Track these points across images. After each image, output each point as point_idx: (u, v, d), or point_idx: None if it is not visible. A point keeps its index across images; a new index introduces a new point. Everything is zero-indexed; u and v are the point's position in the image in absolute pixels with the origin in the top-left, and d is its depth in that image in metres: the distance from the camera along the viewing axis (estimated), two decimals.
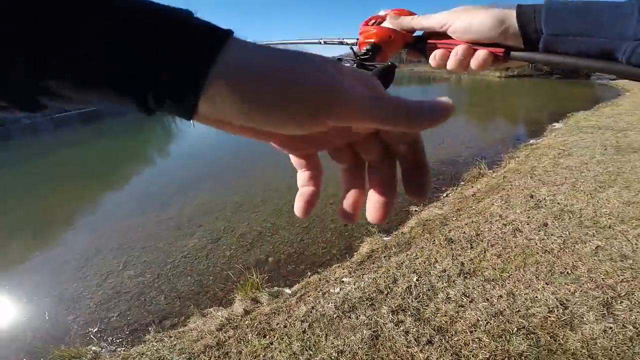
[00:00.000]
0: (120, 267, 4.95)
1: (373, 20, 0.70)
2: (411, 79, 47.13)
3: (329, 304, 3.17)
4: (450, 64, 0.61)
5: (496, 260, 3.53)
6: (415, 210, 5.42)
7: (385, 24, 0.68)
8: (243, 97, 0.23)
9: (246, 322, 3.04)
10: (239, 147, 12.03)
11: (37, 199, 8.64)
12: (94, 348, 3.20)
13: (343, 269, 3.91)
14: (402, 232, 4.73)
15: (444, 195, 6.00)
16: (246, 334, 2.85)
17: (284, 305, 3.28)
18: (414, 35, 0.68)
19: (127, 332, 3.61)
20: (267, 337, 2.78)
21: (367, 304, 3.10)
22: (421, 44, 0.66)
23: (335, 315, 2.98)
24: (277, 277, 4.21)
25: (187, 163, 11.47)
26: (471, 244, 3.91)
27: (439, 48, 0.63)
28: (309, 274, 4.14)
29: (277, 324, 2.93)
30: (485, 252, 3.71)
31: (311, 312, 3.07)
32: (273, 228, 5.50)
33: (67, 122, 27.10)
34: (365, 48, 0.64)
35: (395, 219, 5.28)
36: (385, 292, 3.25)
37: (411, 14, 0.66)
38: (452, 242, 4.02)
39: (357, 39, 0.70)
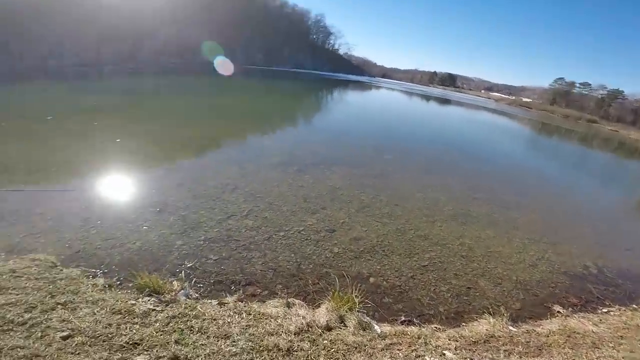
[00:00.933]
0: (244, 214, 5.28)
1: None
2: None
3: None
4: None
5: None
6: (560, 313, 4.17)
7: None
8: None
9: (324, 342, 2.73)
10: (393, 140, 11.80)
11: (219, 121, 10.22)
12: (176, 284, 3.29)
13: (449, 340, 3.23)
14: (536, 332, 3.69)
15: (604, 310, 4.47)
16: (318, 356, 2.55)
17: (368, 344, 2.86)
18: None
19: (212, 281, 3.69)
20: None
21: None
22: None
23: None
24: (369, 303, 3.76)
25: (341, 138, 11.81)
26: None
27: None
28: (403, 318, 3.58)
29: None
30: None
31: None
32: (389, 248, 5.01)
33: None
34: None
35: (530, 310, 4.17)
36: None
37: None
38: None
39: None
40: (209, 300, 3.21)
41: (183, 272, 3.73)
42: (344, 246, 4.84)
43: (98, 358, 2.12)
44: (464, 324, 3.69)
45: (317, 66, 78.86)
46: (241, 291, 3.54)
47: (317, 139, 11.41)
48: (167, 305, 2.85)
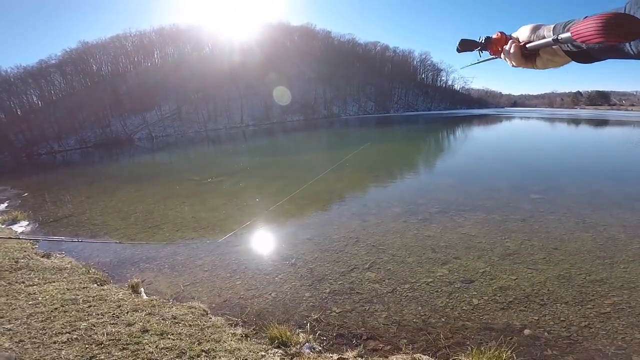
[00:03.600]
0: (366, 266, 5.08)
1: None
2: None
3: None
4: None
5: None
6: None
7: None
8: None
9: None
10: (533, 182, 9.99)
11: (341, 173, 11.05)
12: (302, 336, 3.29)
13: None
14: None
15: None
16: None
17: None
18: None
19: (335, 334, 3.53)
20: None
21: None
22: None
23: None
24: (526, 356, 2.91)
25: (470, 181, 10.75)
26: None
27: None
28: None
29: None
30: None
31: None
32: (549, 297, 3.94)
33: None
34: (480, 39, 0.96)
35: None
36: None
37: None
38: None
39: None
40: (330, 355, 3.04)
41: (309, 324, 3.72)
42: (486, 297, 4.03)
43: None
44: None
45: (430, 105, 76.68)
46: (362, 345, 3.24)
47: (442, 184, 10.54)
48: (292, 358, 2.91)
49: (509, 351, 2.74)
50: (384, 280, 4.61)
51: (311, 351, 3.11)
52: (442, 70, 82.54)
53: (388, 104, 73.31)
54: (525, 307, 3.79)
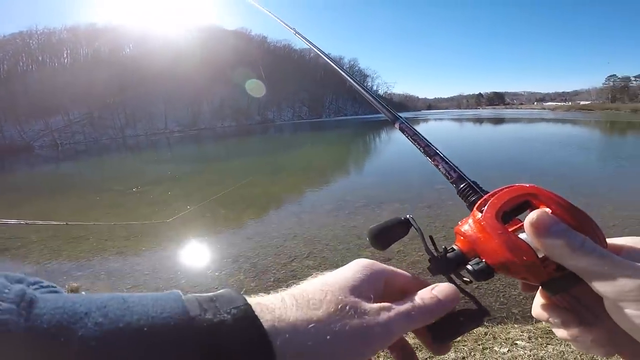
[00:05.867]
0: (304, 255, 5.73)
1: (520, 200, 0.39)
2: None
3: None
4: None
5: None
6: None
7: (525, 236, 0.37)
8: None
9: None
10: (435, 174, 11.66)
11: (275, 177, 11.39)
12: None
13: (521, 332, 3.13)
14: None
15: None
16: (378, 356, 2.69)
17: None
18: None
19: None
20: None
21: None
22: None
23: None
24: None
25: (383, 180, 12.12)
26: None
27: None
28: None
29: None
30: None
31: None
32: None
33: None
34: (469, 266, 0.40)
35: None
36: None
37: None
38: None
39: (466, 197, 0.48)
40: None
41: None
42: (401, 268, 4.94)
43: None
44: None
45: (358, 110, 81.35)
46: None
47: (367, 182, 11.90)
48: None
49: None
50: (321, 266, 5.33)
51: None
52: (368, 76, 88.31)
53: (321, 110, 75.66)
54: (430, 275, 4.76)
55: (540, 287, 0.39)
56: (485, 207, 0.40)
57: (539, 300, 0.43)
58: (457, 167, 0.52)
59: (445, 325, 0.38)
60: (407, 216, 0.48)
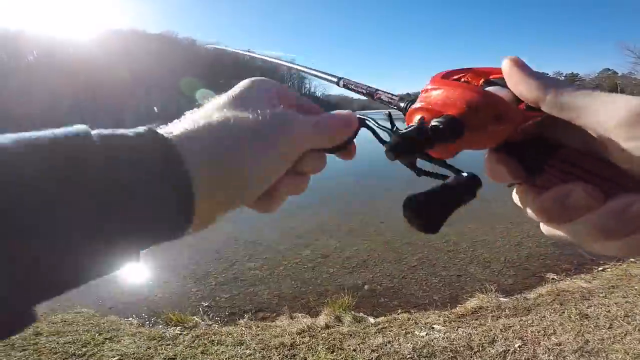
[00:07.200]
0: (246, 258, 5.87)
1: (462, 75, 0.39)
2: None
3: (407, 343, 3.05)
4: None
5: (637, 345, 2.71)
6: (553, 279, 4.60)
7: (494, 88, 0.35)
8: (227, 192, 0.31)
9: (322, 335, 3.22)
10: (364, 176, 12.53)
11: None
12: (196, 319, 3.87)
13: (438, 317, 3.68)
14: (525, 297, 4.09)
15: (600, 269, 4.83)
16: (317, 345, 3.03)
17: (362, 332, 3.33)
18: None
19: (227, 313, 4.25)
20: (335, 353, 2.90)
21: (449, 355, 2.86)
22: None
23: (409, 357, 2.86)
24: (366, 305, 4.26)
25: (315, 183, 12.49)
26: (611, 324, 3.09)
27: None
28: (400, 311, 4.02)
29: (348, 346, 3.02)
30: (627, 334, 2.89)
31: (386, 345, 3.03)
32: (379, 259, 5.55)
33: None
34: (434, 123, 0.35)
35: (523, 282, 4.62)
36: (477, 349, 2.91)
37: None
38: (587, 317, 3.26)
39: (409, 101, 0.44)
40: (225, 327, 3.78)
41: (201, 309, 4.30)
42: (338, 266, 5.40)
43: None
44: (459, 305, 4.09)
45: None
46: (253, 317, 4.06)
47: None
48: (191, 330, 3.52)
49: (354, 301, 4.00)
50: (262, 267, 5.50)
51: (207, 325, 3.77)
52: (306, 77, 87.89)
53: None
54: (364, 269, 5.26)
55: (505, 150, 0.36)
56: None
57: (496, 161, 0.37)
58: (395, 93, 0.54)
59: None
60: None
